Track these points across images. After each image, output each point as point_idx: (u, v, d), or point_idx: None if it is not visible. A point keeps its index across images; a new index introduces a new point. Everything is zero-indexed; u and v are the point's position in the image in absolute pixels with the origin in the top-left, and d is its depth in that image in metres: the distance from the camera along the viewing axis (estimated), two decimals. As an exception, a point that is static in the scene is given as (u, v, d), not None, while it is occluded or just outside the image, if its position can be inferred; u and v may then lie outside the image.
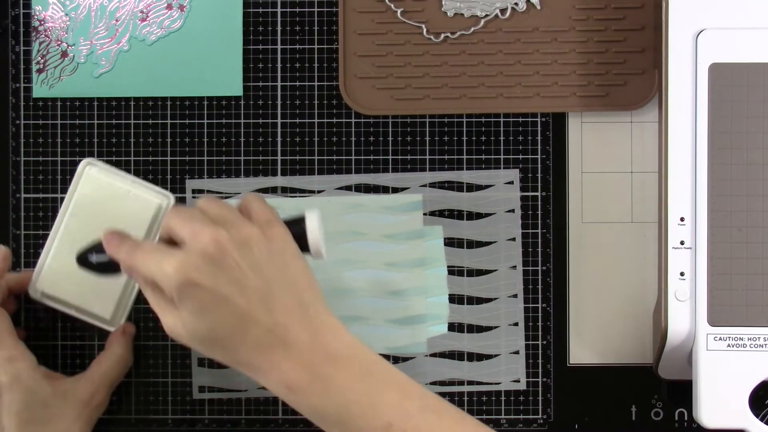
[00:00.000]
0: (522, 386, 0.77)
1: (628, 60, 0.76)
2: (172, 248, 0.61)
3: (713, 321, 0.70)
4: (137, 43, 0.77)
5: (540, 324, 0.77)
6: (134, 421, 0.78)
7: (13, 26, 0.78)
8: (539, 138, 0.77)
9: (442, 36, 0.76)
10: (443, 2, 0.76)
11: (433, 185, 0.77)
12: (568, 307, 0.77)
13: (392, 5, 0.76)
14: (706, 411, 0.69)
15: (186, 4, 0.77)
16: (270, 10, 0.77)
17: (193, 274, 0.59)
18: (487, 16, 0.76)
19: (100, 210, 0.74)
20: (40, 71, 0.77)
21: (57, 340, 0.77)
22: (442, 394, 0.77)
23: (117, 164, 0.76)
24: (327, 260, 0.68)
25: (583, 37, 0.76)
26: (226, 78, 0.77)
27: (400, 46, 0.76)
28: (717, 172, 0.70)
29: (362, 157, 0.77)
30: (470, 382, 0.77)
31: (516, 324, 0.77)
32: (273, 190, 0.77)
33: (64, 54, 0.77)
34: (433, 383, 0.77)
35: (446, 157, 0.77)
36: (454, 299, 0.77)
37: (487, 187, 0.77)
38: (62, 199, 0.75)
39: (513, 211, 0.77)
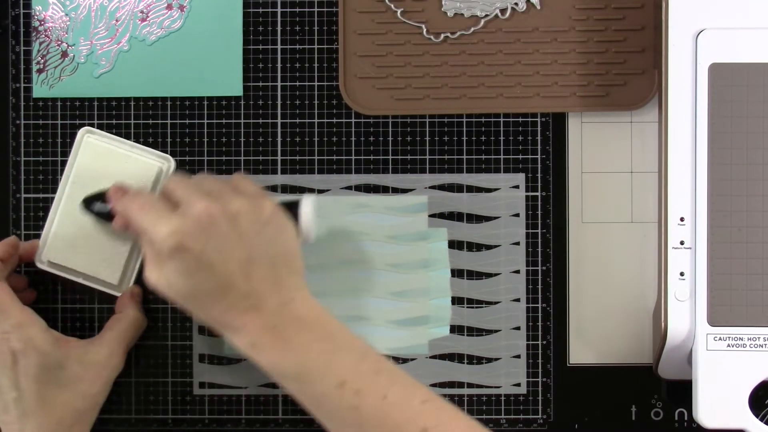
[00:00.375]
0: (522, 390, 0.77)
1: (628, 60, 0.76)
2: (168, 210, 0.65)
3: (713, 321, 0.70)
4: (137, 43, 0.77)
5: (540, 324, 0.77)
6: (134, 420, 0.78)
7: (13, 26, 0.78)
8: (539, 138, 0.77)
9: (442, 36, 0.76)
10: (443, 2, 0.76)
11: (433, 187, 0.77)
12: (568, 307, 0.77)
13: (392, 5, 0.76)
14: (705, 411, 0.69)
15: (186, 4, 0.77)
16: (270, 10, 0.77)
17: (185, 240, 0.63)
18: (487, 16, 0.76)
19: (101, 176, 0.74)
20: (40, 71, 0.77)
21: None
22: (442, 396, 0.77)
23: (117, 164, 0.77)
24: (331, 260, 0.71)
25: (583, 37, 0.76)
26: (226, 78, 0.77)
27: (400, 46, 0.76)
28: (717, 172, 0.70)
29: (362, 158, 0.77)
30: (470, 385, 0.77)
31: (518, 328, 0.77)
32: (273, 189, 0.77)
33: (64, 54, 0.77)
34: (434, 385, 0.77)
35: (446, 157, 0.77)
36: (455, 301, 0.77)
37: (493, 190, 0.77)
38: (62, 198, 0.76)
39: (518, 215, 0.77)
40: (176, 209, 0.65)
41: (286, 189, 0.77)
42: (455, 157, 0.77)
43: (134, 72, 0.77)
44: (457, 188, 0.77)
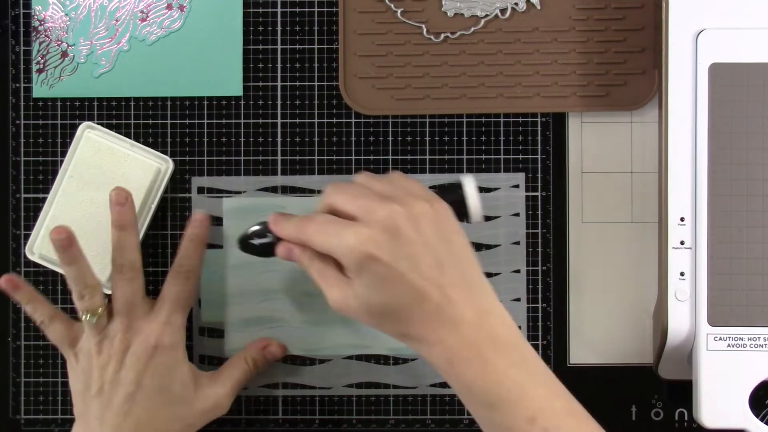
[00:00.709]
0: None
1: (628, 60, 0.76)
2: (350, 222, 0.62)
3: (713, 321, 0.70)
4: (137, 43, 0.77)
5: (540, 324, 0.77)
6: (134, 421, 0.78)
7: (13, 26, 0.78)
8: (539, 138, 0.77)
9: (442, 36, 0.76)
10: (443, 2, 0.76)
11: (433, 187, 0.77)
12: (568, 307, 0.77)
13: (392, 5, 0.76)
14: (706, 411, 0.69)
15: (186, 4, 0.77)
16: (270, 10, 0.77)
17: (373, 249, 0.60)
18: (487, 16, 0.76)
19: (98, 173, 0.75)
20: (40, 71, 0.77)
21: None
22: (442, 396, 0.77)
23: (117, 164, 0.77)
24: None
25: (583, 37, 0.76)
26: (226, 78, 0.77)
27: (400, 46, 0.76)
28: (717, 172, 0.70)
29: (362, 157, 0.77)
30: (470, 383, 0.77)
31: (519, 327, 0.76)
32: (273, 190, 0.77)
33: (64, 54, 0.77)
34: (433, 385, 0.77)
35: (446, 157, 0.77)
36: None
37: (493, 189, 0.77)
38: (62, 199, 0.76)
39: (518, 214, 0.77)
40: (355, 222, 0.62)
41: (286, 190, 0.77)
42: (455, 157, 0.77)
43: (134, 72, 0.77)
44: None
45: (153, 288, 0.76)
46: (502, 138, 0.77)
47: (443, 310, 0.61)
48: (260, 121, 0.77)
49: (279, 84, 0.77)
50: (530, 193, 0.77)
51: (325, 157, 0.77)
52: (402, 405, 0.77)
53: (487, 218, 0.77)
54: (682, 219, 0.70)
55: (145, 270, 0.74)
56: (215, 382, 0.73)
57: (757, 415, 0.71)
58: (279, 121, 0.77)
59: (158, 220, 0.77)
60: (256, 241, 0.69)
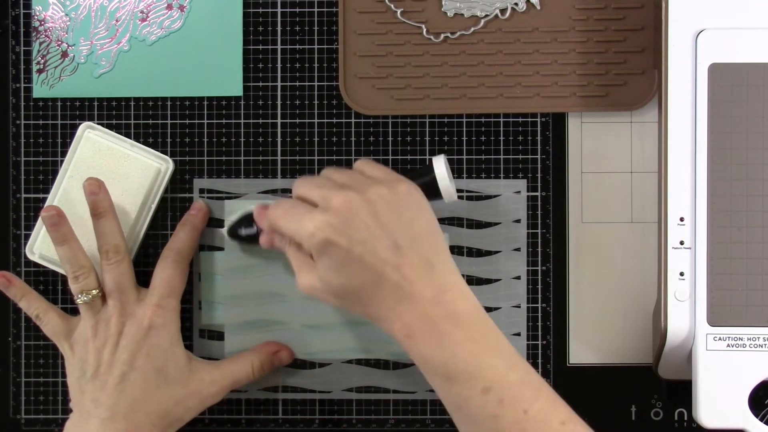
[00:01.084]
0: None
1: (628, 60, 0.76)
2: (310, 208, 0.66)
3: (713, 321, 0.70)
4: (137, 43, 0.77)
5: (540, 324, 0.77)
6: (134, 420, 0.78)
7: (13, 26, 0.78)
8: (539, 138, 0.77)
9: (442, 36, 0.76)
10: (443, 2, 0.76)
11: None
12: (568, 307, 0.77)
13: (392, 5, 0.76)
14: (705, 411, 0.69)
15: (186, 4, 0.77)
16: (270, 10, 0.77)
17: (331, 234, 0.64)
18: (487, 16, 0.76)
19: (99, 173, 0.75)
20: (40, 71, 0.77)
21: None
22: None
23: (117, 164, 0.77)
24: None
25: (583, 37, 0.76)
26: (226, 78, 0.77)
27: (400, 46, 0.76)
28: (717, 172, 0.70)
29: (362, 157, 0.77)
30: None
31: (518, 334, 0.77)
32: (273, 192, 0.77)
33: (64, 54, 0.77)
34: (432, 390, 0.77)
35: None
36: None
37: (494, 196, 0.76)
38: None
39: (519, 221, 0.77)
40: (315, 208, 0.65)
41: (285, 191, 0.77)
42: (455, 157, 0.77)
43: (134, 72, 0.77)
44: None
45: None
46: (501, 138, 0.77)
47: (401, 289, 0.64)
48: (260, 121, 0.77)
49: (279, 84, 0.77)
50: (530, 193, 0.77)
51: (325, 157, 0.77)
52: (402, 406, 0.77)
53: (488, 224, 0.77)
54: (681, 219, 0.70)
55: (144, 270, 0.74)
56: (214, 369, 0.73)
57: (756, 415, 0.71)
58: (279, 121, 0.77)
59: (158, 220, 0.77)
60: (243, 232, 0.73)
